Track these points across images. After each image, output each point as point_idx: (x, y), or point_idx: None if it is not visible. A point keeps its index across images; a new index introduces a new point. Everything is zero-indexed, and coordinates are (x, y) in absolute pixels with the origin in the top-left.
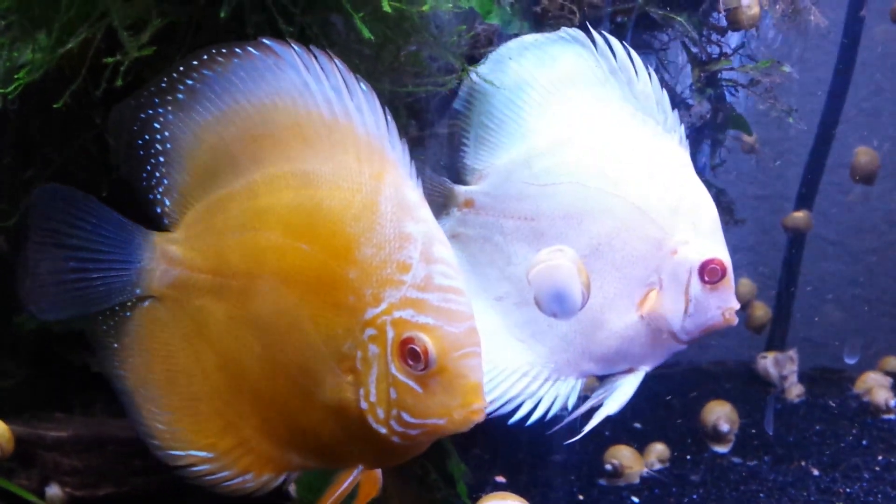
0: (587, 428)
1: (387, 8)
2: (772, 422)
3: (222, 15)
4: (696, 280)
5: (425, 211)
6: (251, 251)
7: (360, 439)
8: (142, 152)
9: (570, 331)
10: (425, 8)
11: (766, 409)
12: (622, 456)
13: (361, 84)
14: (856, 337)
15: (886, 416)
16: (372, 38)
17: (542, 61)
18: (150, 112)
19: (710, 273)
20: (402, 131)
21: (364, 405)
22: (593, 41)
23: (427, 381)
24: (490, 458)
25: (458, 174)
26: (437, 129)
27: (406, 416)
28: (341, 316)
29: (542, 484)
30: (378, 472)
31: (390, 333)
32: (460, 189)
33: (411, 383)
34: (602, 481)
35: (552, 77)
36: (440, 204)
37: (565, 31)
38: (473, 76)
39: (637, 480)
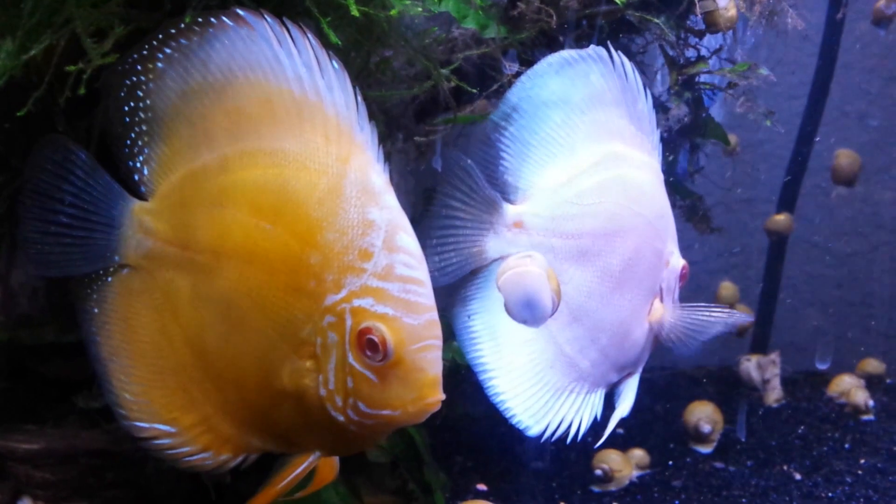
0: (607, 431)
1: (354, 12)
2: (744, 428)
3: (187, 20)
4: (677, 286)
5: (390, 197)
6: (218, 228)
7: (318, 426)
8: (127, 119)
9: (607, 343)
10: (393, 13)
11: (739, 415)
12: (611, 460)
13: (333, 62)
14: (827, 341)
15: (865, 418)
16: (339, 43)
17: (577, 78)
18: (134, 79)
19: (682, 277)
20: (381, 137)
21: (323, 392)
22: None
23: (384, 372)
24: (472, 465)
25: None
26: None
27: (362, 406)
28: (302, 300)
29: (524, 492)
30: (336, 458)
31: (349, 322)
32: (510, 209)
33: (368, 374)
34: (594, 487)
35: (584, 95)
36: (484, 220)
37: (594, 49)
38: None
39: (627, 484)
